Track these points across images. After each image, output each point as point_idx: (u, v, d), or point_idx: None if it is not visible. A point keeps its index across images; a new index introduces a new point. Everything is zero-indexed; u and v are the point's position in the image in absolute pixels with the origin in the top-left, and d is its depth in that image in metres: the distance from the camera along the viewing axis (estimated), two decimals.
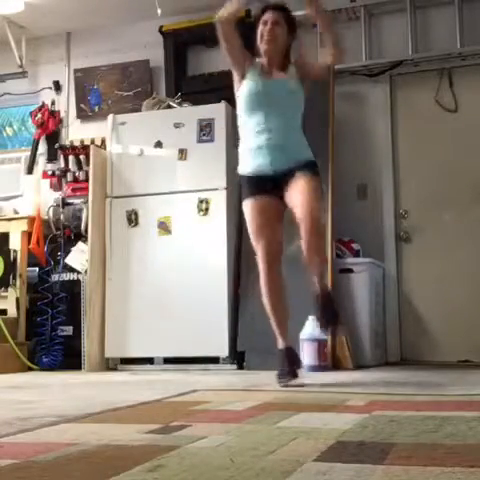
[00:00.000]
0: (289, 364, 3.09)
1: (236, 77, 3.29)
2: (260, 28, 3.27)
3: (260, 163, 3.18)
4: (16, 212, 5.40)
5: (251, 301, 4.40)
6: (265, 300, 3.14)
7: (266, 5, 3.42)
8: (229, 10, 3.22)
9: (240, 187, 3.36)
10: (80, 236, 4.99)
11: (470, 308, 4.63)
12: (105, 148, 4.94)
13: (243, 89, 3.25)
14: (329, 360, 4.08)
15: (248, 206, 3.20)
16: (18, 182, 5.75)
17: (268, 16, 3.27)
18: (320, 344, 3.98)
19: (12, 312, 4.84)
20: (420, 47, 4.87)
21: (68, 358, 4.75)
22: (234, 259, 4.55)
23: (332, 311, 3.09)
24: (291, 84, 3.23)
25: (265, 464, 1.23)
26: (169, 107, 4.94)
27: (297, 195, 3.08)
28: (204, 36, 5.30)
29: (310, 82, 3.32)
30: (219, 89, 5.08)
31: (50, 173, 5.50)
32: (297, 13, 4.99)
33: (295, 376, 3.05)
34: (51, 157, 5.65)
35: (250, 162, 3.23)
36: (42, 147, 5.69)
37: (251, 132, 3.23)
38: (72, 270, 4.91)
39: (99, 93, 5.62)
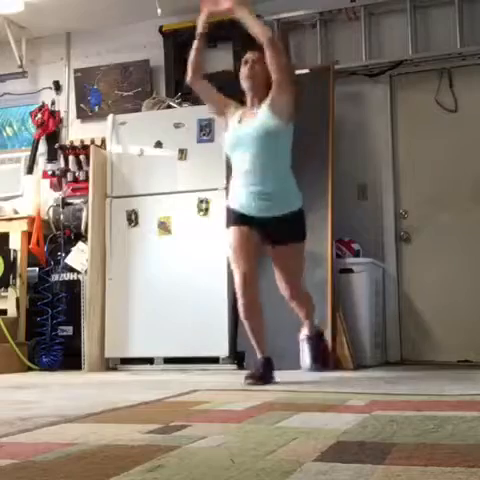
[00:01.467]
0: (264, 371, 3.27)
1: (222, 123, 3.55)
2: (242, 69, 3.46)
3: (244, 204, 3.34)
4: (16, 212, 5.40)
5: None
6: (244, 321, 3.37)
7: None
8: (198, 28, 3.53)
9: (227, 213, 3.51)
10: (80, 236, 5.00)
11: (470, 308, 4.63)
12: (105, 148, 4.94)
13: (226, 134, 3.46)
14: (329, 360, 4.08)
15: (231, 234, 3.39)
16: (18, 182, 5.75)
17: (248, 56, 3.44)
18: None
19: (12, 312, 4.84)
20: (420, 47, 4.87)
21: (68, 358, 4.74)
22: None
23: (323, 353, 3.41)
24: (266, 124, 3.28)
25: (265, 464, 1.23)
26: (169, 107, 4.94)
27: (278, 269, 3.44)
28: (204, 36, 5.30)
29: (295, 107, 3.36)
30: (219, 89, 5.08)
31: (50, 173, 5.49)
32: (295, 13, 5.04)
33: (264, 383, 3.19)
34: (51, 157, 5.64)
35: (236, 198, 3.39)
36: (42, 147, 5.69)
37: (237, 171, 3.39)
38: (72, 270, 4.91)
39: (99, 93, 5.62)
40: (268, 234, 3.34)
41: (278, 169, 3.33)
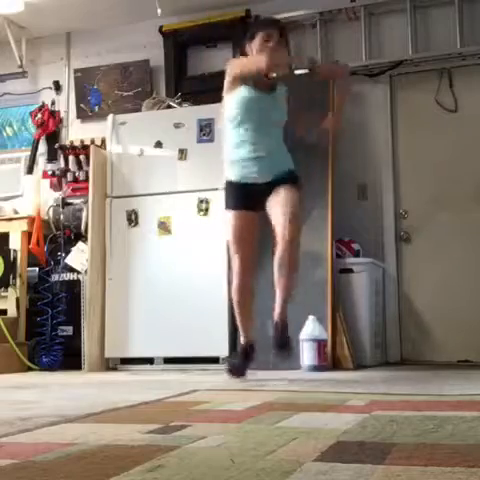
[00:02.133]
0: (242, 360, 3.42)
1: (228, 86, 3.47)
2: (260, 42, 3.40)
3: (246, 173, 3.40)
4: (16, 212, 5.40)
5: None
6: (234, 301, 3.45)
7: (264, 19, 3.73)
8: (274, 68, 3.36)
9: (225, 192, 3.54)
10: (80, 236, 4.99)
11: (470, 308, 4.63)
12: (105, 148, 4.94)
13: (237, 96, 3.42)
14: (329, 360, 4.08)
15: (230, 217, 3.44)
16: (18, 182, 5.75)
17: (271, 32, 3.42)
18: (320, 344, 3.98)
19: (12, 312, 4.84)
20: (420, 47, 4.87)
21: (68, 358, 4.74)
22: None
23: (286, 339, 3.33)
24: (280, 98, 3.48)
25: (265, 464, 1.23)
26: (169, 107, 4.94)
27: (276, 211, 3.32)
28: (204, 36, 5.31)
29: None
30: (219, 89, 5.07)
31: (50, 173, 5.49)
32: (295, 13, 5.03)
33: (242, 375, 3.37)
34: (51, 157, 5.64)
35: (236, 171, 3.44)
36: (42, 147, 5.69)
37: (234, 144, 3.44)
38: (72, 270, 4.91)
39: (99, 93, 5.62)
40: (266, 200, 3.38)
41: (278, 138, 3.48)
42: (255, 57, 3.38)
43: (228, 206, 3.47)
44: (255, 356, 3.46)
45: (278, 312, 3.34)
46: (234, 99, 3.43)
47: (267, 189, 3.37)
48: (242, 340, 3.49)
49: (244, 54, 3.50)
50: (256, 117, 3.39)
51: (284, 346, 3.30)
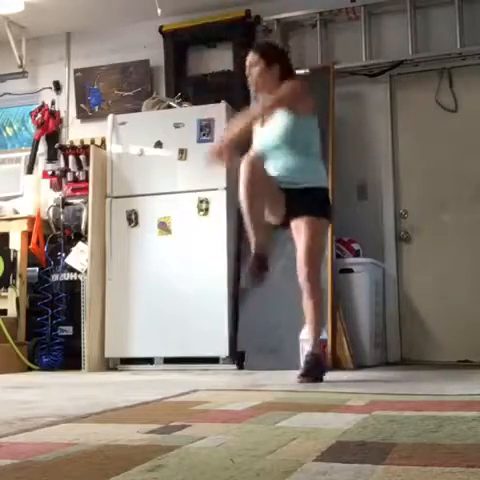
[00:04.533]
0: (257, 267, 3.21)
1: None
2: (247, 71, 3.50)
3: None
4: (16, 212, 5.40)
5: (251, 301, 4.41)
6: (243, 202, 3.18)
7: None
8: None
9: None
10: (80, 236, 4.99)
11: (470, 308, 4.63)
12: (105, 148, 4.94)
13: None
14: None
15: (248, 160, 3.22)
16: (18, 182, 5.75)
17: (247, 59, 3.50)
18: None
19: (12, 312, 4.84)
20: (420, 47, 4.87)
21: (68, 358, 4.75)
22: (234, 259, 4.55)
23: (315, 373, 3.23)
24: (282, 122, 3.36)
25: (265, 464, 1.23)
26: (169, 107, 4.94)
27: (299, 241, 3.31)
28: (204, 36, 5.31)
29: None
30: (219, 89, 5.09)
31: (50, 173, 5.49)
32: (295, 13, 5.04)
33: (261, 276, 3.23)
34: (51, 157, 5.64)
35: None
36: (42, 147, 5.69)
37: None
38: (72, 270, 4.91)
39: (99, 93, 5.62)
40: (288, 206, 3.33)
41: (302, 154, 3.39)
42: (247, 113, 3.43)
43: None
44: (268, 265, 3.27)
45: (311, 344, 3.33)
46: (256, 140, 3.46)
47: (290, 198, 3.33)
48: (252, 248, 3.26)
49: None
50: (271, 151, 3.39)
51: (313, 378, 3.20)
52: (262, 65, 3.42)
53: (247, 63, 3.48)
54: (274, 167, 3.36)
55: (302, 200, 3.32)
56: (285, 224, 3.42)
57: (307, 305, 3.32)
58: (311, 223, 3.30)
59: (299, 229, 3.33)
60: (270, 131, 3.40)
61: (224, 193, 4.50)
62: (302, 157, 3.39)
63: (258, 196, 3.19)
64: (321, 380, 3.20)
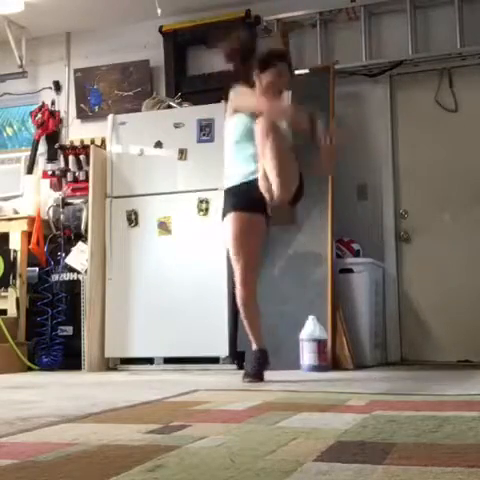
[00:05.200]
0: (258, 366, 3.32)
1: (229, 112, 3.51)
2: (274, 77, 3.44)
3: (248, 171, 3.36)
4: (16, 212, 5.39)
5: None
6: (241, 306, 3.38)
7: (276, 52, 3.69)
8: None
9: (224, 201, 3.49)
10: (80, 236, 4.99)
11: (470, 308, 4.62)
12: (105, 148, 4.94)
13: (234, 122, 3.46)
14: (329, 360, 4.08)
15: (231, 220, 3.36)
16: (18, 182, 5.75)
17: (283, 69, 3.48)
18: (320, 344, 3.98)
19: (12, 312, 4.84)
20: (420, 47, 4.87)
21: (68, 358, 4.75)
22: None
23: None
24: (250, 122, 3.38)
25: (265, 464, 1.23)
26: (169, 107, 4.94)
27: None
28: (204, 36, 5.31)
29: None
30: (219, 89, 5.08)
31: (50, 173, 5.49)
32: (295, 13, 5.03)
33: (261, 379, 3.29)
34: (51, 157, 5.64)
35: (239, 171, 3.40)
36: (42, 147, 5.69)
37: (240, 160, 3.42)
38: (72, 270, 4.91)
39: (99, 93, 5.62)
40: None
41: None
42: (258, 98, 3.39)
43: (225, 211, 3.48)
44: (269, 360, 3.37)
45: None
46: (233, 124, 3.46)
47: None
48: (253, 346, 3.39)
49: (247, 81, 3.46)
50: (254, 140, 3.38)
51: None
52: (289, 76, 3.51)
53: (276, 72, 3.43)
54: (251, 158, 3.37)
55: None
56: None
57: None
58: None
59: None
60: (245, 125, 3.41)
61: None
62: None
63: (254, 301, 3.39)
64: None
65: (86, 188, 4.90)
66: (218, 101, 4.65)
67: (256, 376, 3.27)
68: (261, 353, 3.35)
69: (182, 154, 4.64)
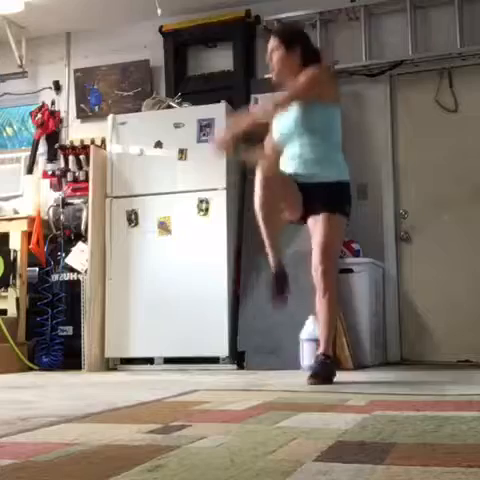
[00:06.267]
0: (279, 289, 3.16)
1: None
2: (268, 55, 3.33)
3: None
4: (16, 212, 5.40)
5: (251, 301, 4.41)
6: (258, 217, 3.09)
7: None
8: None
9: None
10: (80, 236, 4.99)
11: (470, 308, 4.63)
12: (105, 148, 4.94)
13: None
14: None
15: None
16: (18, 182, 5.75)
17: (268, 46, 3.32)
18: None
19: (12, 312, 4.84)
20: (420, 47, 4.87)
21: (68, 358, 4.75)
22: (234, 259, 4.55)
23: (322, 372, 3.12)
24: (298, 110, 3.19)
25: (265, 464, 1.23)
26: (169, 107, 4.94)
27: (314, 237, 3.19)
28: (204, 36, 5.31)
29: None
30: (219, 89, 5.09)
31: (50, 173, 5.49)
32: (295, 13, 5.03)
33: (283, 297, 3.16)
34: (51, 157, 5.64)
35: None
36: (42, 147, 5.69)
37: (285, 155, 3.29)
38: (72, 270, 4.91)
39: (99, 93, 5.62)
40: (305, 202, 3.21)
41: (319, 144, 3.22)
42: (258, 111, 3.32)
43: None
44: (288, 281, 3.19)
45: (323, 345, 3.18)
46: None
47: (307, 194, 3.20)
48: (271, 266, 3.18)
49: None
50: (288, 138, 3.26)
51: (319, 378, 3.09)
52: (283, 50, 3.21)
53: (268, 48, 3.27)
54: (291, 157, 3.21)
55: (319, 196, 3.17)
56: (301, 220, 3.30)
57: (320, 304, 3.16)
58: (327, 220, 3.16)
59: (315, 226, 3.21)
60: (287, 117, 3.20)
61: (224, 193, 4.50)
62: (320, 147, 3.22)
63: (274, 210, 3.10)
64: (330, 381, 3.10)
65: (86, 188, 4.91)
66: (218, 101, 4.66)
67: (279, 295, 3.16)
68: (279, 274, 3.17)
69: (182, 154, 4.64)
